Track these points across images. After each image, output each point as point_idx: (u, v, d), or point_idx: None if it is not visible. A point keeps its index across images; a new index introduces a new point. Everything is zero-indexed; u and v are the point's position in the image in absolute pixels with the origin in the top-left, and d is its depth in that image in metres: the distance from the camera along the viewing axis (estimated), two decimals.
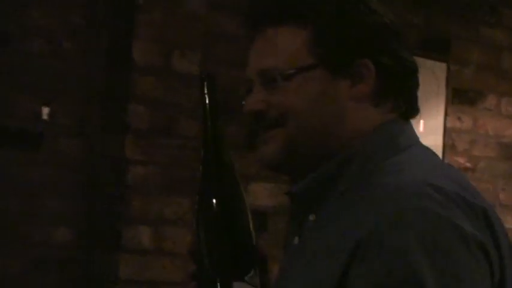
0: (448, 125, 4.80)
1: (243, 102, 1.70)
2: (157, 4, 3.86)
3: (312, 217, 1.68)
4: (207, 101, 1.71)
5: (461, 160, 4.90)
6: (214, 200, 1.70)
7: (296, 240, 1.71)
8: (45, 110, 3.74)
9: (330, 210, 1.64)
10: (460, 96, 4.89)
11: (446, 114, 4.73)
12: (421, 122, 4.58)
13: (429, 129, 4.62)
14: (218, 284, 1.68)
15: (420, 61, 4.63)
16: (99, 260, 3.77)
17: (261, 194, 4.14)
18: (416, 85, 1.73)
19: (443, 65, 4.67)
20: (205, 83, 1.75)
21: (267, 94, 1.65)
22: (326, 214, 1.65)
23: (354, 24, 1.65)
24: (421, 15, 4.65)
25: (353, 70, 1.64)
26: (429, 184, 1.55)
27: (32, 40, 3.76)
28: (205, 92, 1.71)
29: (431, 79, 4.56)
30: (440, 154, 4.66)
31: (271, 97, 1.65)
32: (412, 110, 1.71)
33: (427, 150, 1.71)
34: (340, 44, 1.64)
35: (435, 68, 4.59)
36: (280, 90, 1.64)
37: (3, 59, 3.69)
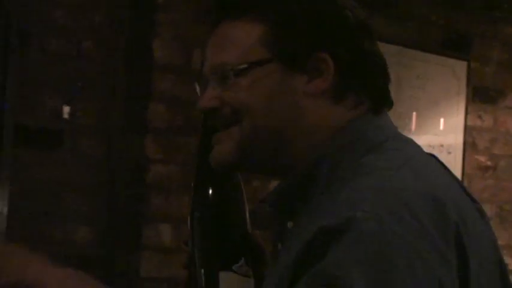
0: (469, 123, 4.76)
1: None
2: (177, 3, 3.87)
3: (289, 224, 1.63)
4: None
5: (481, 159, 4.87)
6: (206, 190, 1.69)
7: (279, 246, 1.67)
8: (66, 109, 3.74)
9: (301, 217, 1.58)
10: (480, 95, 4.86)
11: (466, 113, 4.70)
12: (441, 120, 4.56)
13: (449, 127, 4.59)
14: (204, 273, 1.67)
15: (441, 60, 4.66)
16: (120, 258, 3.77)
17: None
18: (384, 78, 1.64)
19: (464, 64, 4.64)
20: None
21: (220, 91, 1.60)
22: (299, 221, 1.59)
23: (311, 17, 1.61)
24: (442, 15, 4.63)
25: (310, 65, 1.59)
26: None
27: (53, 39, 3.76)
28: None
29: (452, 78, 4.54)
30: (460, 152, 4.65)
31: (224, 94, 1.60)
32: (381, 103, 1.64)
33: (402, 143, 1.64)
34: (295, 37, 1.59)
35: (456, 67, 4.57)
36: (233, 87, 1.59)
37: (25, 59, 3.69)
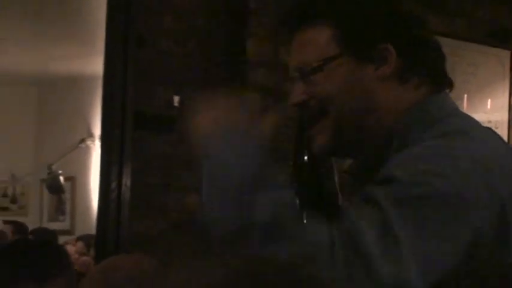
0: None
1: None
2: (266, 8, 3.81)
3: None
4: None
5: None
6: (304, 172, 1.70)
7: None
8: (176, 99, 3.73)
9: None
10: None
11: (510, 94, 4.65)
12: (489, 100, 4.53)
13: (496, 107, 4.57)
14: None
15: (488, 49, 4.57)
16: None
17: None
18: (440, 59, 1.67)
19: (508, 53, 4.61)
20: None
21: (306, 87, 1.61)
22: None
23: (370, 15, 1.63)
24: (487, 10, 4.54)
25: (375, 54, 1.60)
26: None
27: (164, 41, 3.75)
28: None
29: (498, 64, 4.52)
30: (505, 129, 4.62)
31: (309, 88, 1.61)
32: (442, 82, 1.66)
33: (464, 120, 1.66)
34: (359, 33, 1.61)
35: (501, 55, 4.53)
36: (315, 81, 1.61)
37: (141, 58, 3.70)
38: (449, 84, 1.67)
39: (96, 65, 5.02)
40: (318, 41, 1.62)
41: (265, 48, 3.81)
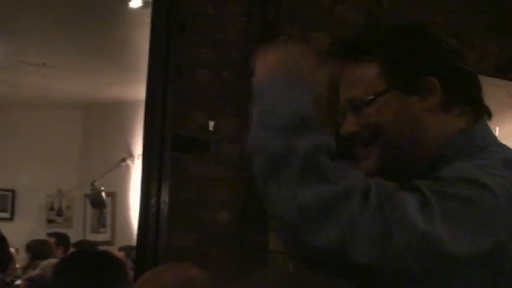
0: None
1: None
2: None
3: None
4: None
5: None
6: None
7: None
8: (211, 123, 3.75)
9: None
10: None
11: None
12: (497, 128, 4.49)
13: (504, 134, 4.54)
14: None
15: (497, 81, 4.54)
16: (252, 235, 3.75)
17: None
18: (477, 88, 1.67)
19: None
20: None
21: (357, 118, 1.61)
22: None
23: (414, 51, 1.62)
24: (496, 45, 4.52)
25: (421, 87, 1.60)
26: None
27: (201, 71, 3.77)
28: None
29: (506, 95, 4.50)
30: None
31: (360, 120, 1.61)
32: (480, 111, 1.65)
33: (506, 149, 1.63)
34: (405, 69, 1.61)
35: (508, 87, 4.52)
36: (366, 114, 1.61)
37: (180, 86, 3.72)
38: (487, 113, 1.67)
39: (138, 92, 5.06)
40: (367, 76, 1.63)
41: None
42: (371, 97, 1.60)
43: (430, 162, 1.61)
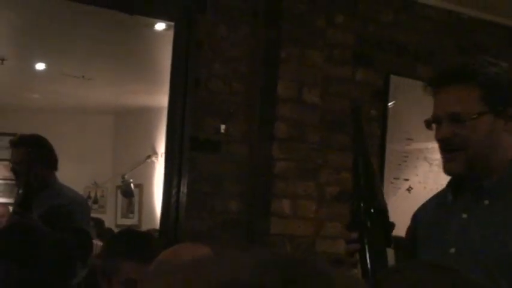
0: None
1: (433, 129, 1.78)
2: (292, 58, 3.80)
3: (486, 201, 1.73)
4: (356, 125, 1.75)
5: None
6: (370, 190, 1.67)
7: (465, 215, 1.75)
8: (223, 127, 3.73)
9: (497, 200, 1.71)
10: None
11: None
12: None
13: None
14: (374, 251, 1.62)
15: None
16: (257, 221, 3.73)
17: None
18: None
19: None
20: (354, 113, 1.79)
21: (453, 128, 1.70)
22: (506, 201, 1.71)
23: (506, 86, 1.73)
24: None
25: (507, 114, 1.72)
26: None
27: (214, 82, 3.76)
28: (355, 119, 1.76)
29: None
30: None
31: (457, 130, 1.70)
32: None
33: None
34: (500, 99, 1.71)
35: None
36: (464, 127, 1.69)
37: (196, 95, 3.71)
38: None
39: (161, 100, 5.05)
40: (470, 97, 1.69)
41: (291, 89, 3.79)
42: (474, 116, 1.68)
43: (499, 170, 1.72)
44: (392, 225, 1.70)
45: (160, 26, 4.80)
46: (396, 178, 4.17)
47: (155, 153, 7.73)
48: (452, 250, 1.74)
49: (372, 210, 1.66)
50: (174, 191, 3.60)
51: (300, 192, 3.76)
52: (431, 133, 4.38)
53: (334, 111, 3.94)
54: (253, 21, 3.82)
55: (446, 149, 1.72)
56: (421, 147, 4.26)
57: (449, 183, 1.82)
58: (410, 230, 1.97)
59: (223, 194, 3.71)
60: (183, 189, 3.61)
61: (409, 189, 4.18)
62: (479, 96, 1.69)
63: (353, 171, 1.73)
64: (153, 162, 7.79)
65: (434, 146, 4.27)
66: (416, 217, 1.97)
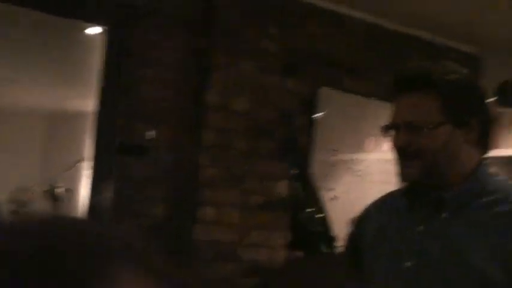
0: None
1: (391, 137, 1.75)
2: (224, 66, 3.86)
3: (445, 214, 1.69)
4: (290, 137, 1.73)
5: None
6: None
7: (422, 228, 1.71)
8: (151, 133, 3.76)
9: (473, 214, 1.67)
10: None
11: None
12: (386, 143, 4.54)
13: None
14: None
15: (387, 104, 4.56)
16: (182, 227, 3.77)
17: (286, 188, 4.10)
18: (495, 132, 1.79)
19: None
20: (288, 124, 1.77)
21: (410, 136, 1.67)
22: (465, 214, 1.67)
23: (468, 96, 1.71)
24: (387, 75, 4.59)
25: (467, 124, 1.69)
26: None
27: (144, 89, 3.79)
28: (289, 130, 1.74)
29: None
30: None
31: (414, 139, 1.67)
32: (489, 146, 1.77)
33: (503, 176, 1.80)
34: (460, 109, 1.69)
35: None
36: (421, 135, 1.66)
37: (126, 101, 3.73)
38: (491, 150, 1.78)
39: (90, 105, 5.03)
40: (429, 106, 1.66)
41: (221, 97, 3.85)
42: (430, 125, 1.66)
43: (454, 183, 1.69)
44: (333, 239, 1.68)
45: (93, 30, 4.80)
46: (322, 188, 4.27)
47: (85, 158, 7.69)
48: (408, 264, 1.69)
49: (327, 235, 1.64)
50: (99, 196, 3.61)
51: (225, 199, 3.82)
52: (356, 144, 4.52)
53: (262, 120, 4.01)
54: (185, 29, 3.86)
55: (403, 156, 1.70)
56: (346, 158, 4.38)
57: (403, 192, 1.79)
58: (353, 236, 1.92)
59: (150, 199, 3.73)
60: (109, 193, 3.62)
61: (333, 198, 4.28)
62: (438, 105, 1.67)
63: (292, 183, 1.72)
64: (82, 167, 7.74)
65: (358, 157, 4.44)
66: (362, 223, 1.93)
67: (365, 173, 4.47)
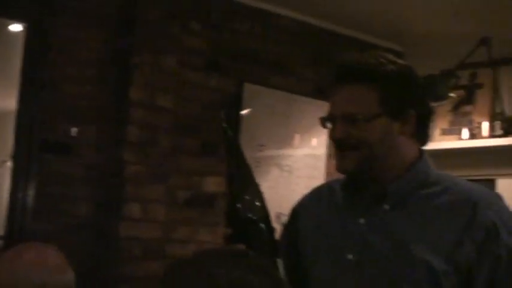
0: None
1: (329, 130, 1.72)
2: (144, 64, 3.85)
3: (386, 206, 1.68)
4: (227, 130, 1.69)
5: None
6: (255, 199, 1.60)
7: (364, 220, 1.70)
8: (74, 130, 3.73)
9: (414, 206, 1.67)
10: None
11: None
12: (314, 139, 4.57)
13: (318, 144, 4.62)
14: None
15: (313, 101, 4.57)
16: (107, 225, 3.75)
17: (212, 184, 4.13)
18: (432, 124, 1.78)
19: (326, 103, 4.67)
20: (223, 120, 1.75)
21: (347, 128, 1.65)
22: (407, 206, 1.67)
23: (406, 88, 1.69)
24: (311, 71, 4.65)
25: (404, 116, 1.68)
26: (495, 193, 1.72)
27: (66, 85, 3.76)
28: (224, 125, 1.70)
29: (320, 112, 4.53)
30: (324, 160, 4.65)
31: (351, 131, 1.65)
32: (427, 140, 1.77)
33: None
34: (397, 101, 1.67)
35: (323, 105, 4.57)
36: (358, 127, 1.65)
37: (47, 98, 3.68)
38: (428, 142, 1.80)
39: (11, 103, 4.95)
40: (366, 98, 1.65)
41: (144, 93, 3.83)
42: (366, 117, 1.65)
43: (394, 175, 1.68)
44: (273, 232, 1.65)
45: (15, 27, 4.72)
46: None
47: (9, 158, 7.57)
48: (350, 257, 1.68)
49: (262, 225, 1.58)
50: (20, 194, 3.56)
51: (151, 196, 3.81)
52: (283, 140, 4.56)
53: (187, 116, 4.02)
54: (107, 25, 3.84)
55: (340, 148, 1.69)
56: (273, 154, 4.42)
57: (342, 184, 1.78)
58: (288, 231, 1.91)
59: (73, 197, 3.70)
60: (31, 192, 3.58)
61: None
62: (375, 97, 1.65)
63: (229, 180, 1.67)
64: (7, 167, 7.61)
65: (285, 152, 4.48)
66: (299, 216, 1.91)
67: (292, 168, 4.52)
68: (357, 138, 1.65)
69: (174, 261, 1.16)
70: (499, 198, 1.70)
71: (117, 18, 3.86)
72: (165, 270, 1.11)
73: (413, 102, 1.70)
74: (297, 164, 4.54)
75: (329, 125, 1.72)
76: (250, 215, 1.57)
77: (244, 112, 4.27)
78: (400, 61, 1.73)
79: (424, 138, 1.75)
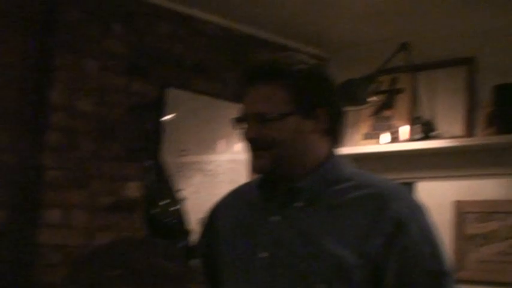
0: None
1: (243, 130, 1.74)
2: (67, 65, 3.80)
3: (299, 203, 1.71)
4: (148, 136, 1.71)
5: None
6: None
7: (277, 218, 1.72)
8: None
9: (326, 202, 1.70)
10: None
11: None
12: (237, 144, 4.59)
13: (240, 149, 4.64)
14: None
15: (233, 105, 4.58)
16: (25, 231, 3.67)
17: (135, 189, 4.09)
18: (343, 125, 1.81)
19: None
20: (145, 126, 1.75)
21: (259, 128, 1.67)
22: (319, 203, 1.70)
23: (317, 86, 1.72)
24: (233, 76, 4.67)
25: (316, 115, 1.71)
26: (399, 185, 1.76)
27: None
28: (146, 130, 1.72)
29: None
30: (245, 165, 4.67)
31: (262, 131, 1.67)
32: (339, 140, 1.80)
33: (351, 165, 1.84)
34: (308, 99, 1.70)
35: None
36: (269, 127, 1.67)
37: None
38: (340, 144, 1.82)
39: None
40: (277, 98, 1.67)
41: (65, 97, 3.78)
42: (277, 116, 1.66)
43: (307, 172, 1.71)
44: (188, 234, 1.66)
45: None
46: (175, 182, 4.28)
47: None
48: (264, 254, 1.70)
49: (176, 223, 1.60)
50: None
51: (71, 201, 3.75)
52: (206, 145, 4.54)
53: (109, 120, 3.98)
54: (26, 26, 3.76)
55: (254, 148, 1.71)
56: (196, 160, 4.42)
57: (257, 184, 1.80)
58: (208, 229, 1.93)
59: None
60: None
61: (183, 199, 4.30)
62: (286, 96, 1.67)
63: (147, 175, 1.70)
64: None
65: (208, 158, 4.47)
66: (217, 217, 1.92)
67: (215, 173, 4.52)
68: (269, 138, 1.67)
69: (91, 248, 1.17)
70: (407, 191, 1.75)
71: (37, 19, 3.78)
72: (86, 254, 1.11)
73: (324, 101, 1.73)
74: (220, 169, 4.55)
75: (241, 125, 1.74)
76: (165, 220, 1.64)
77: (167, 118, 4.24)
78: (311, 61, 1.76)
79: (336, 136, 1.79)
